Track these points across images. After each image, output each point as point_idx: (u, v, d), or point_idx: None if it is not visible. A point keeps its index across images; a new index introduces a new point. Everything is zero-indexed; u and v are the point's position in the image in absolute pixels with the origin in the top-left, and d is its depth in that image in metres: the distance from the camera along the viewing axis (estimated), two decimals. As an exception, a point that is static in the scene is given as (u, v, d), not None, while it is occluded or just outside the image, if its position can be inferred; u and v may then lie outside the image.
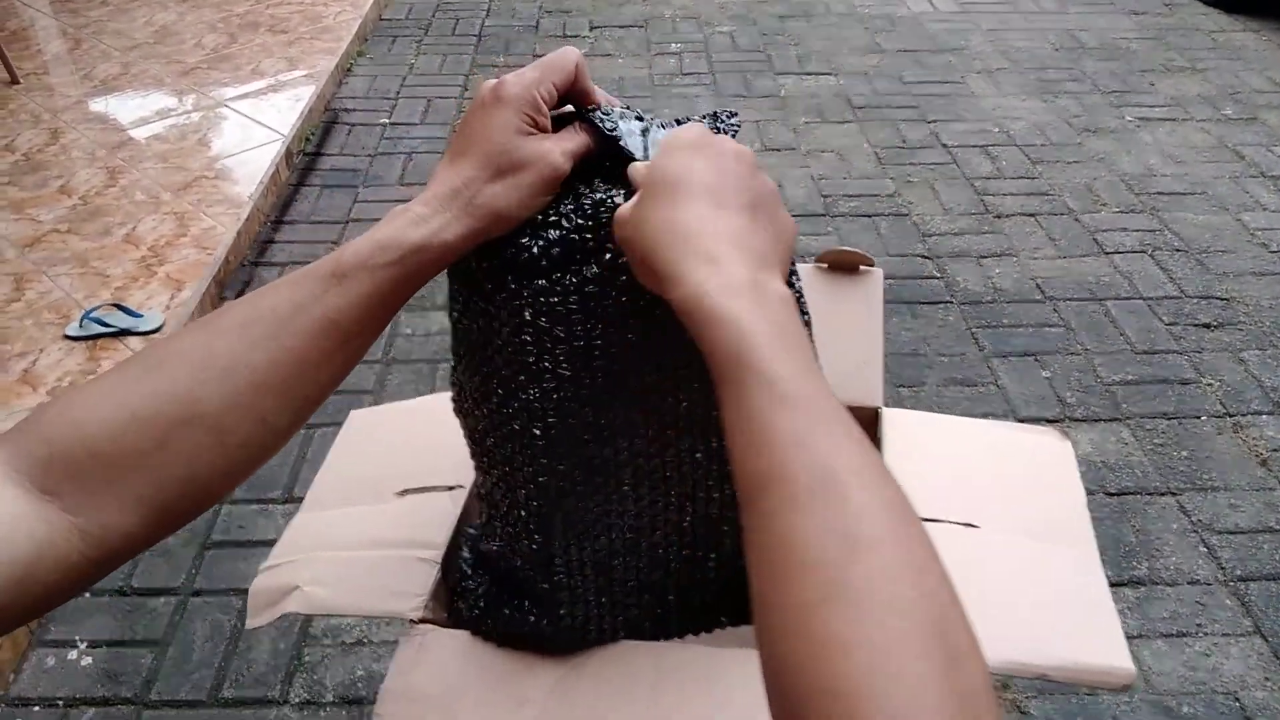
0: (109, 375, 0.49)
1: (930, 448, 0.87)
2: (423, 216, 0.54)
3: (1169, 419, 2.21)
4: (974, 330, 2.47)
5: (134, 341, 2.31)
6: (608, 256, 0.59)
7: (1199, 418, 2.21)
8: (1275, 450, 2.13)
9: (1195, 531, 1.96)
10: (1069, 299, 2.57)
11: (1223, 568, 1.89)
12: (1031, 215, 2.89)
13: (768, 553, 0.40)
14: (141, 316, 2.37)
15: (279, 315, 0.52)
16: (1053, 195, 2.98)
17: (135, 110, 3.45)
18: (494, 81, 0.57)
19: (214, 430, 0.49)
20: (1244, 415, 2.22)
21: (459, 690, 0.67)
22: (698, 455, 0.68)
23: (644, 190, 0.53)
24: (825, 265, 0.96)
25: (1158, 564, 1.91)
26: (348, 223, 2.96)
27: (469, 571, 0.75)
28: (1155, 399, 2.26)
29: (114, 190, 2.93)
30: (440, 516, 0.79)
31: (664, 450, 0.67)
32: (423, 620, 0.70)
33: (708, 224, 0.49)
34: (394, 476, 0.85)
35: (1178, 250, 2.73)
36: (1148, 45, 3.95)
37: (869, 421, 0.89)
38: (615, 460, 0.66)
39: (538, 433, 0.63)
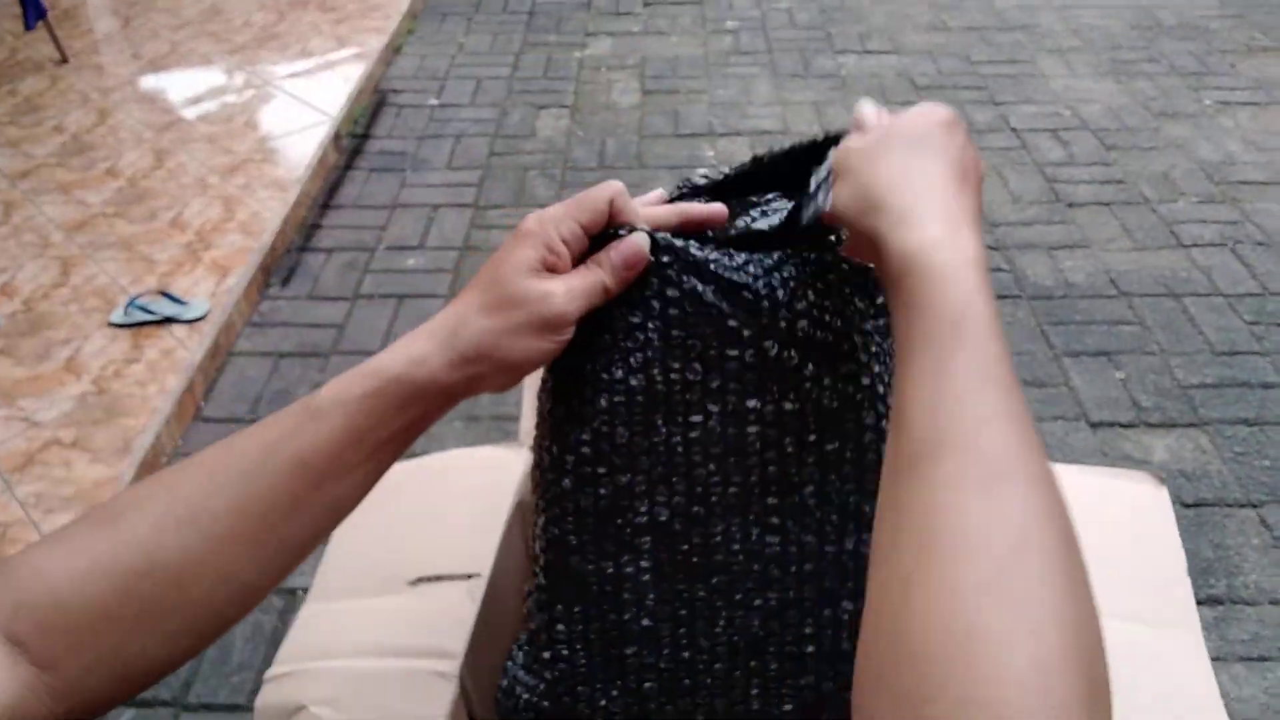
0: (75, 523, 0.45)
1: None
2: (410, 346, 0.50)
3: (1250, 425, 2.09)
4: (1044, 327, 2.35)
5: (179, 330, 2.28)
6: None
7: (1283, 425, 2.09)
8: (1366, 461, 2.00)
9: (1277, 547, 1.85)
10: (1144, 294, 2.44)
11: (1309, 585, 1.78)
12: (1105, 205, 2.75)
13: (928, 520, 0.38)
14: (187, 304, 2.34)
15: (246, 458, 0.47)
16: (1127, 184, 2.83)
17: (183, 90, 3.43)
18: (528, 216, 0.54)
19: (174, 584, 0.44)
20: (1332, 422, 2.09)
21: None
22: (734, 548, 0.60)
23: (883, 132, 0.52)
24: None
25: (1237, 581, 1.80)
26: (395, 208, 2.91)
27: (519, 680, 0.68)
28: (1235, 403, 2.14)
29: (161, 173, 2.91)
30: (457, 615, 0.72)
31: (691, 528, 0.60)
32: None
33: (951, 188, 0.49)
34: (406, 557, 0.78)
35: (1260, 244, 2.58)
36: (1229, 24, 3.75)
37: None
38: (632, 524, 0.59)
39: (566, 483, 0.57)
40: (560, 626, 0.63)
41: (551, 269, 0.52)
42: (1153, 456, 2.02)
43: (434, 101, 3.47)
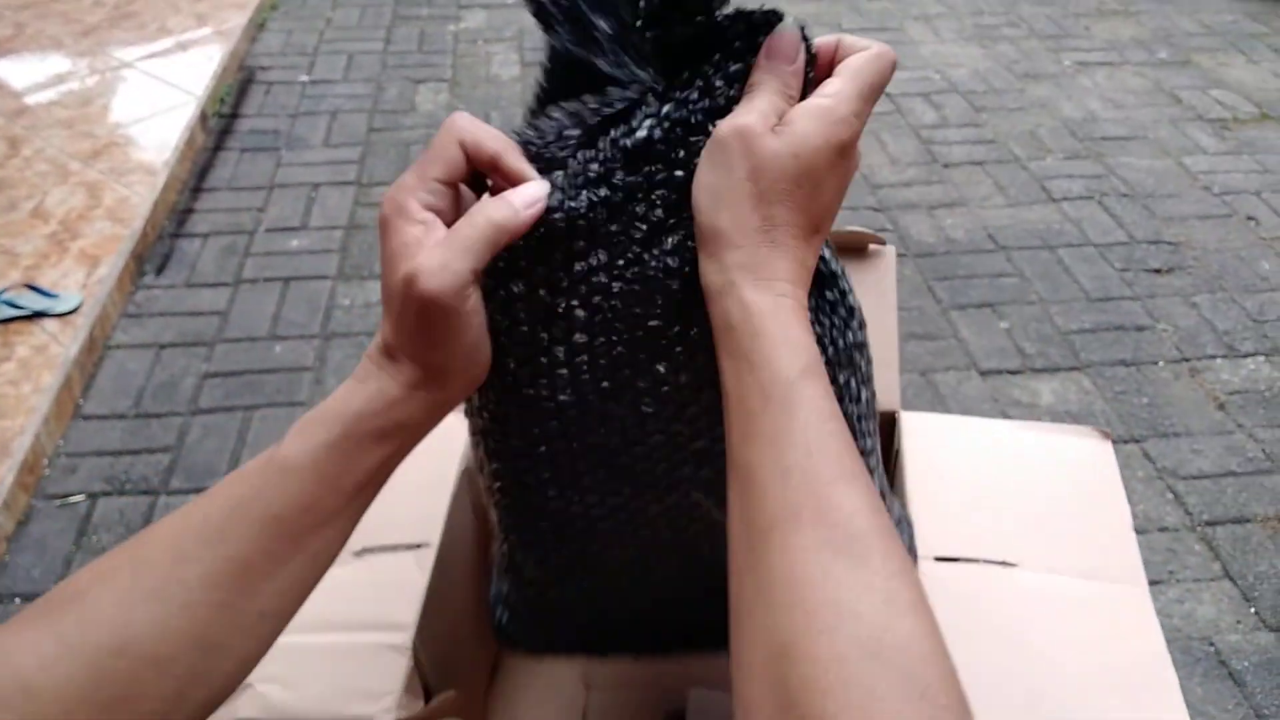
0: (38, 604, 0.41)
1: (956, 460, 0.79)
2: (363, 382, 0.46)
3: (1127, 366, 2.21)
4: (930, 283, 2.43)
5: (50, 324, 2.14)
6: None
7: (1156, 364, 2.21)
8: (1231, 394, 2.14)
9: (1161, 478, 1.96)
10: (1021, 248, 2.54)
11: (1189, 513, 1.89)
12: (979, 164, 2.86)
13: (798, 590, 0.37)
14: (57, 297, 2.20)
15: (212, 520, 0.43)
16: (998, 143, 2.95)
17: (33, 74, 3.21)
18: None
19: (150, 662, 0.40)
20: (1199, 360, 2.22)
21: None
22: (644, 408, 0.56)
23: (793, 141, 0.44)
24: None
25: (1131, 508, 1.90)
26: (272, 188, 2.80)
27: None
28: (1112, 346, 2.26)
29: (16, 161, 2.72)
30: (406, 586, 0.69)
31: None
32: None
33: (807, 243, 0.46)
34: None
35: (1124, 195, 2.72)
36: (1079, -11, 3.94)
37: (886, 427, 0.81)
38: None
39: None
40: (517, 539, 0.62)
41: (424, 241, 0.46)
42: (1040, 400, 2.12)
43: (305, 78, 3.35)
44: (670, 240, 0.49)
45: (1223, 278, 2.45)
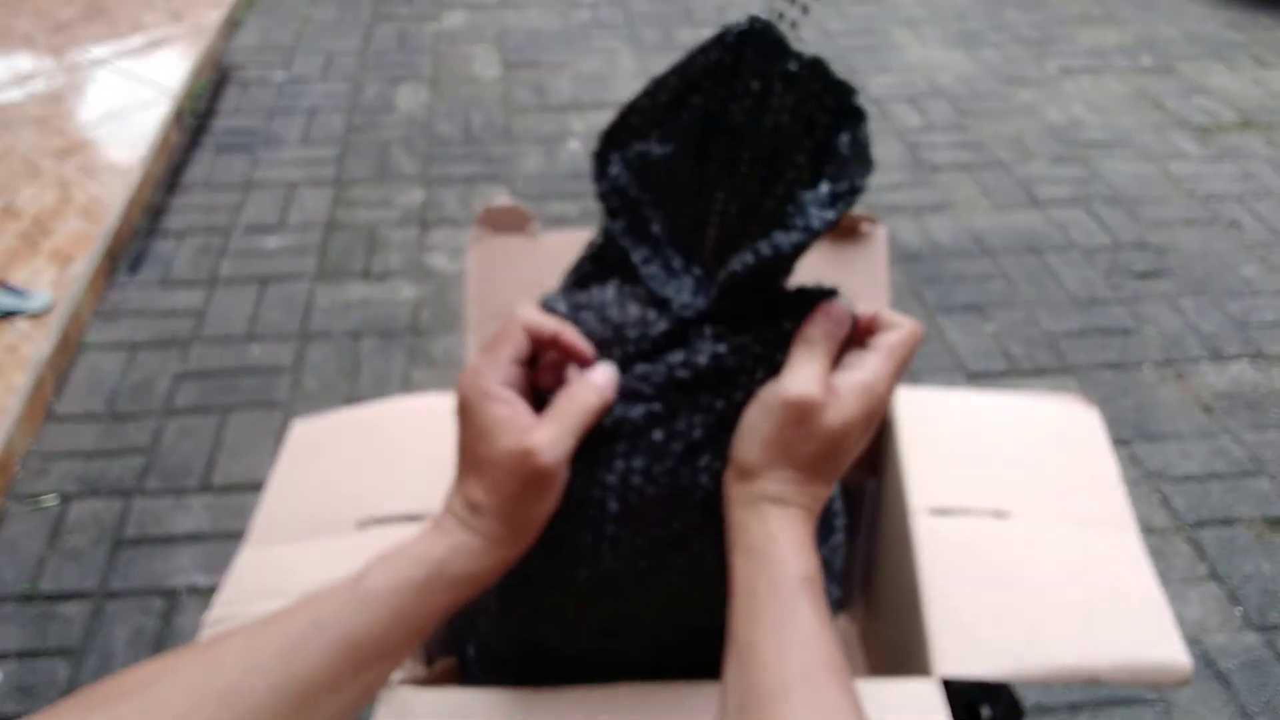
0: (96, 688, 0.42)
1: (948, 427, 0.81)
2: (449, 529, 0.51)
3: (1113, 369, 2.20)
4: (916, 286, 2.42)
5: (21, 324, 2.09)
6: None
7: (1142, 367, 2.21)
8: (1217, 396, 2.14)
9: (1148, 480, 1.96)
10: (1007, 251, 2.54)
11: (1176, 515, 1.89)
12: (965, 168, 2.85)
13: None
14: (27, 296, 2.15)
15: (291, 634, 0.45)
16: (984, 147, 2.94)
17: (3, 71, 3.14)
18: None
19: None
20: (1185, 362, 2.22)
21: None
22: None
23: (834, 429, 0.51)
24: None
25: (1114, 516, 1.89)
26: (249, 187, 2.75)
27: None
28: (1098, 349, 2.25)
29: (-15, 156, 2.66)
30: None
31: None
32: (400, 682, 0.61)
33: (831, 473, 0.52)
34: (350, 502, 0.74)
35: (1109, 200, 2.73)
36: (1061, -4, 3.96)
37: None
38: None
39: None
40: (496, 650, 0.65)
41: (518, 419, 0.51)
42: (1028, 403, 2.11)
43: (282, 76, 3.31)
44: (704, 460, 0.55)
45: (1207, 282, 2.45)
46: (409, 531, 0.70)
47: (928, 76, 3.31)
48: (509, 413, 0.50)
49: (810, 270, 0.62)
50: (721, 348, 0.54)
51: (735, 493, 0.52)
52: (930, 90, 3.23)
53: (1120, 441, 2.03)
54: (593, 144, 0.59)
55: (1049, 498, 0.74)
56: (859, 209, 0.84)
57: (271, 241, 2.56)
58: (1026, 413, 0.83)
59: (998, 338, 2.27)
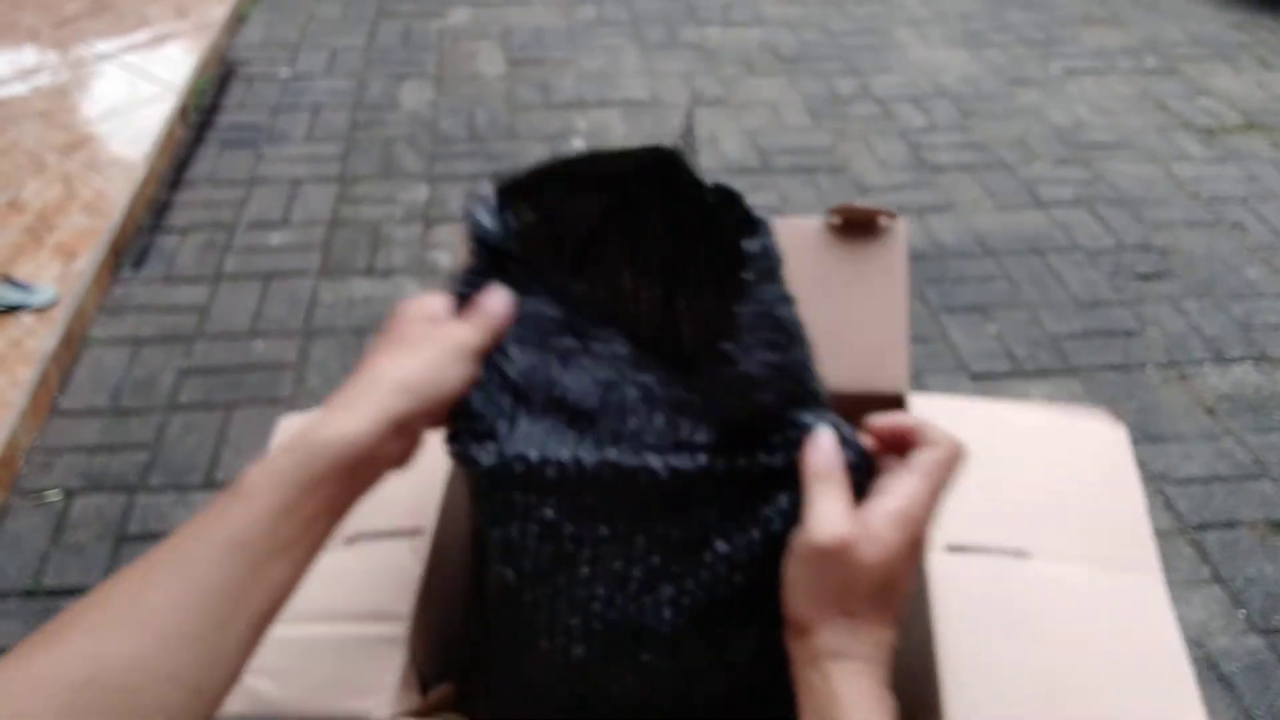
0: (17, 646, 0.41)
1: (968, 443, 0.77)
2: (337, 414, 0.49)
3: (1116, 370, 2.20)
4: (920, 287, 2.42)
5: (26, 318, 2.09)
6: None
7: (1145, 369, 2.21)
8: (1220, 398, 2.14)
9: (1151, 482, 1.96)
10: (1010, 252, 2.54)
11: (1180, 517, 1.89)
12: (968, 169, 2.85)
13: None
14: (32, 291, 2.15)
15: (176, 549, 0.44)
16: (987, 148, 2.94)
17: (9, 64, 3.15)
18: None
19: (120, 691, 0.40)
20: (1188, 364, 2.22)
21: None
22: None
23: (886, 558, 0.48)
24: (838, 221, 0.80)
25: (1117, 517, 1.89)
26: (253, 183, 2.75)
27: None
28: (1102, 351, 2.25)
29: (-10, 151, 2.67)
30: (400, 574, 0.66)
31: None
32: (396, 715, 0.59)
33: (892, 622, 0.50)
34: None
35: (1112, 202, 2.73)
36: (1065, -3, 3.96)
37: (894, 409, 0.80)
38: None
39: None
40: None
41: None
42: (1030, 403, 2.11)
43: (286, 73, 3.31)
44: (666, 591, 0.54)
45: (1210, 284, 2.45)
46: (400, 548, 0.69)
47: (931, 77, 3.31)
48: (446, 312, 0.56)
49: (826, 268, 0.61)
50: (687, 462, 0.53)
51: (795, 652, 0.50)
52: (934, 91, 3.23)
53: (1123, 443, 2.03)
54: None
55: (1071, 533, 0.69)
56: (872, 203, 0.82)
57: (275, 238, 2.56)
58: (1051, 429, 0.78)
59: (1001, 339, 2.27)
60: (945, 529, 0.68)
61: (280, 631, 0.64)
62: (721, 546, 0.53)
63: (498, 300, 0.57)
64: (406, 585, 0.65)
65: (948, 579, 0.65)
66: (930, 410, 0.77)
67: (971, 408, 0.80)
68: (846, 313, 0.73)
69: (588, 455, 0.53)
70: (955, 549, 0.68)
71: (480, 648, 0.62)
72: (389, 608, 0.64)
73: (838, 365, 0.62)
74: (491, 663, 0.60)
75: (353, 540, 0.70)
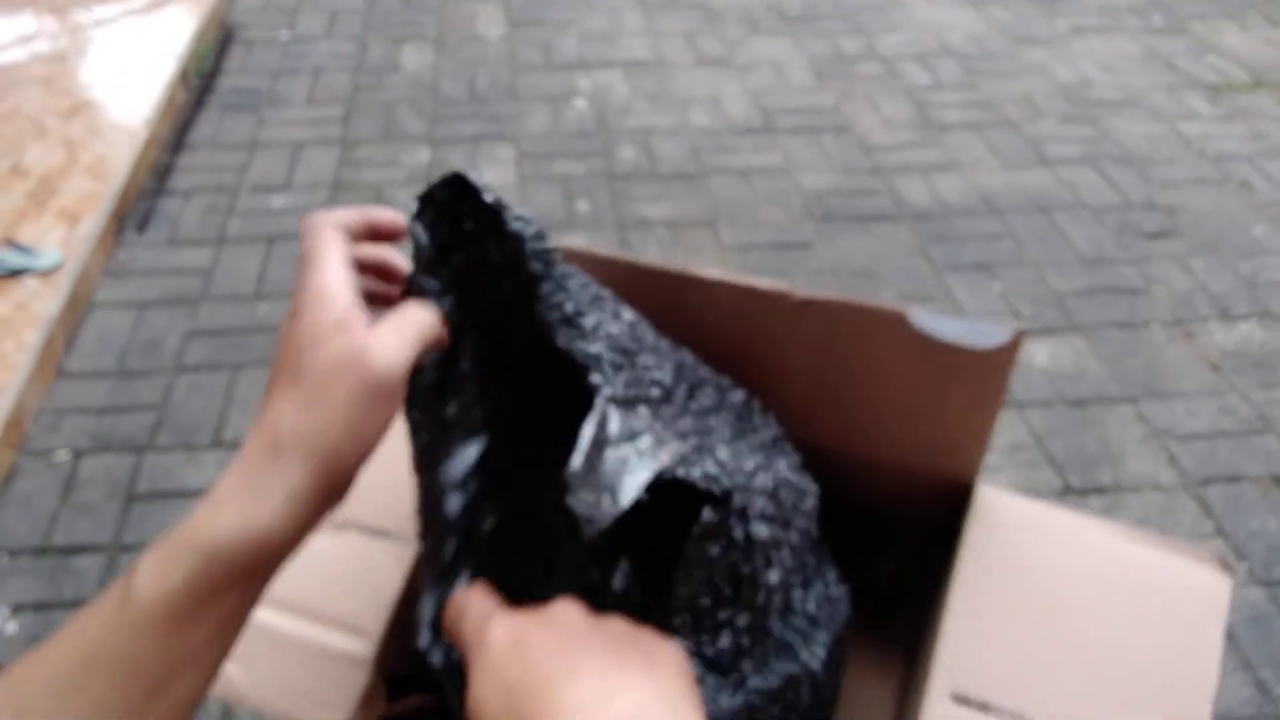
0: None
1: (1025, 565, 0.60)
2: (232, 503, 0.39)
3: (1121, 328, 2.20)
4: (925, 245, 2.41)
5: (31, 282, 2.09)
6: None
7: (1150, 326, 2.21)
8: (1225, 355, 2.14)
9: (1155, 438, 1.96)
10: (1015, 210, 2.53)
11: (1184, 473, 1.89)
12: (973, 127, 2.83)
13: None
14: (37, 254, 2.15)
15: (59, 675, 0.37)
16: (993, 106, 2.92)
17: (7, 31, 3.12)
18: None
19: None
20: (1193, 322, 2.22)
21: None
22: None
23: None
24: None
25: (1121, 471, 1.90)
26: (255, 147, 2.75)
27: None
28: (1107, 308, 2.25)
29: (-9, 115, 2.66)
30: (381, 585, 0.63)
31: None
32: None
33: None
34: None
35: (1119, 160, 2.71)
36: (1071, -45, 3.91)
37: (956, 500, 0.63)
38: None
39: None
40: None
41: (370, 297, 0.43)
42: (1034, 361, 2.11)
43: (286, 36, 3.28)
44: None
45: (1216, 242, 2.44)
46: (386, 551, 0.65)
47: (937, 35, 3.28)
48: (351, 314, 0.40)
49: (935, 365, 0.54)
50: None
51: None
52: (939, 49, 3.20)
53: (1128, 400, 2.03)
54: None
55: (1107, 711, 0.56)
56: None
57: (278, 201, 2.55)
58: (1138, 568, 0.62)
59: (1005, 297, 2.27)
60: (958, 674, 0.57)
61: (262, 616, 0.62)
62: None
63: (425, 314, 0.45)
64: (384, 599, 0.63)
65: None
66: (998, 510, 0.63)
67: (1050, 518, 0.63)
68: (939, 401, 0.60)
69: None
70: (960, 700, 0.57)
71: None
72: (362, 622, 0.62)
73: (914, 445, 0.59)
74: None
75: (342, 528, 0.67)
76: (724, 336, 0.58)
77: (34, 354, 1.94)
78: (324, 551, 0.65)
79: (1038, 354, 2.13)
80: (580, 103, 2.89)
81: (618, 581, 0.50)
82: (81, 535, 1.74)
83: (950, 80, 3.04)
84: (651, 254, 2.32)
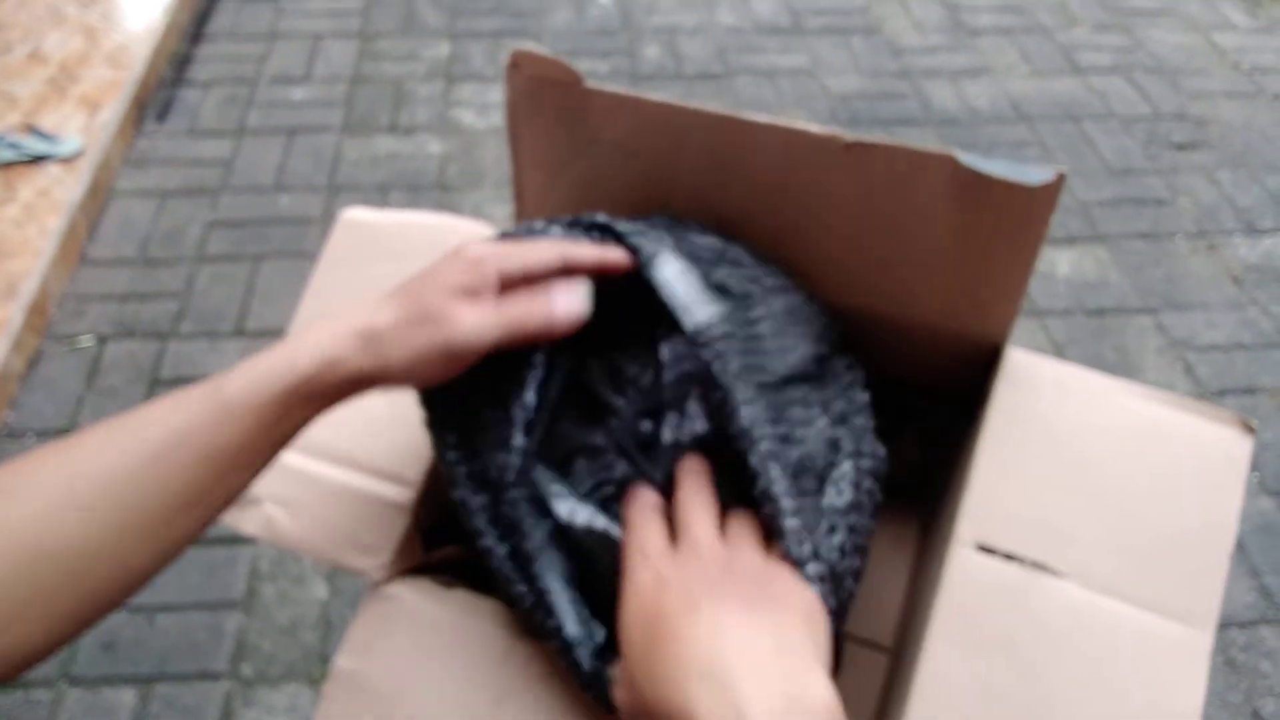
0: None
1: (1051, 425, 0.61)
2: (326, 344, 0.47)
3: (1145, 238, 2.18)
4: (950, 151, 2.38)
5: (53, 169, 2.10)
6: None
7: (1174, 237, 2.19)
8: (1248, 269, 2.12)
9: (1173, 349, 1.96)
10: (1045, 118, 2.49)
11: (1200, 383, 1.90)
12: (1006, 32, 2.77)
13: None
14: (58, 141, 2.15)
15: (152, 445, 0.43)
16: (1026, 11, 2.86)
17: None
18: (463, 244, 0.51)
19: (69, 571, 0.41)
20: (1218, 235, 2.20)
21: (415, 681, 0.56)
22: None
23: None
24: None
25: (1138, 380, 1.88)
26: (274, 38, 2.71)
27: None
28: (1131, 219, 2.23)
29: (10, 3, 2.62)
30: (422, 439, 0.62)
31: None
32: (388, 580, 0.59)
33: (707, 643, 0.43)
34: None
35: (1151, 70, 2.65)
36: None
37: (985, 363, 0.64)
38: None
39: None
40: None
41: (475, 295, 0.49)
42: (1056, 270, 2.10)
43: (305, -73, 3.21)
44: None
45: (1246, 155, 2.40)
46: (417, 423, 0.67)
47: (971, -63, 3.19)
48: (478, 284, 0.49)
49: (973, 215, 0.54)
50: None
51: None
52: (973, -48, 3.12)
53: (1148, 310, 2.03)
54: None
55: (1128, 560, 0.57)
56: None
57: (298, 93, 2.53)
58: (1160, 426, 0.62)
59: (1030, 205, 2.25)
60: (986, 522, 0.58)
61: (300, 463, 0.65)
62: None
63: (573, 300, 0.51)
64: (424, 452, 0.65)
65: (960, 581, 0.56)
66: (1032, 373, 0.63)
67: (1077, 378, 0.63)
68: (976, 248, 0.58)
69: None
70: (984, 549, 0.58)
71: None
72: (402, 471, 0.64)
73: (947, 303, 0.60)
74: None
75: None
76: (766, 185, 0.58)
77: (57, 240, 1.95)
78: (369, 406, 0.67)
79: (1060, 263, 2.12)
80: (603, -1, 2.84)
81: (666, 434, 0.52)
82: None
83: (983, -16, 2.97)
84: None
